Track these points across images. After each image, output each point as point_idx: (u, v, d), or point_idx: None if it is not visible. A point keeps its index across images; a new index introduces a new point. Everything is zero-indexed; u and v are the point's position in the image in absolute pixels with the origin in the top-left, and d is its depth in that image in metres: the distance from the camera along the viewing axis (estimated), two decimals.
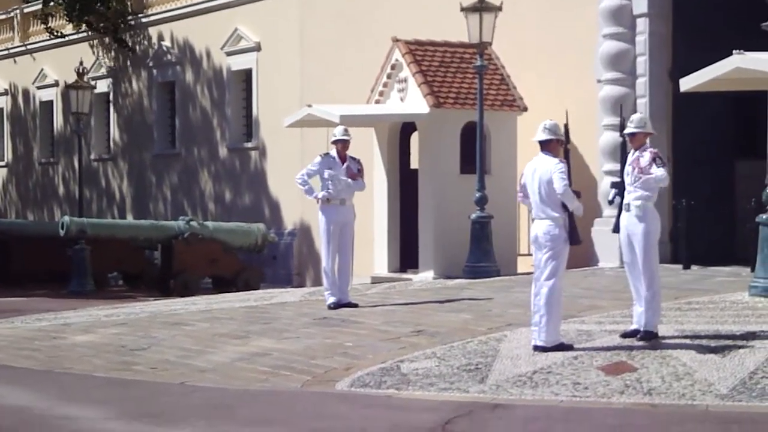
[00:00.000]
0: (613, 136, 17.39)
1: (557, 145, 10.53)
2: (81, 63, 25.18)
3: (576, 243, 10.47)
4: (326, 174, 13.83)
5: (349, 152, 14.04)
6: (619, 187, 10.70)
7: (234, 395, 9.52)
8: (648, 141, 10.77)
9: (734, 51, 11.24)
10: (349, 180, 13.81)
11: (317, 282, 21.07)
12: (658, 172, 10.38)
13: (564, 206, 10.34)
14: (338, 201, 13.89)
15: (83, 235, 22.21)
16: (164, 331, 12.93)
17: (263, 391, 9.77)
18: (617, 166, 12.18)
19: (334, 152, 13.98)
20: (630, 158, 10.70)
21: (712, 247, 17.34)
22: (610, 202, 10.88)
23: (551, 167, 10.31)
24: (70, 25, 30.31)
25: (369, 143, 19.23)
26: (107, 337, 12.87)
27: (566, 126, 10.65)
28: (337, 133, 14.07)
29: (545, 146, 10.49)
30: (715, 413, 8.37)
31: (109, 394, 9.72)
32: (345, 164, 13.88)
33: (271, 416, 8.62)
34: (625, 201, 10.62)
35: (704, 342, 10.32)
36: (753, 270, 13.73)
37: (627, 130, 10.79)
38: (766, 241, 13.19)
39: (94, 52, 30.51)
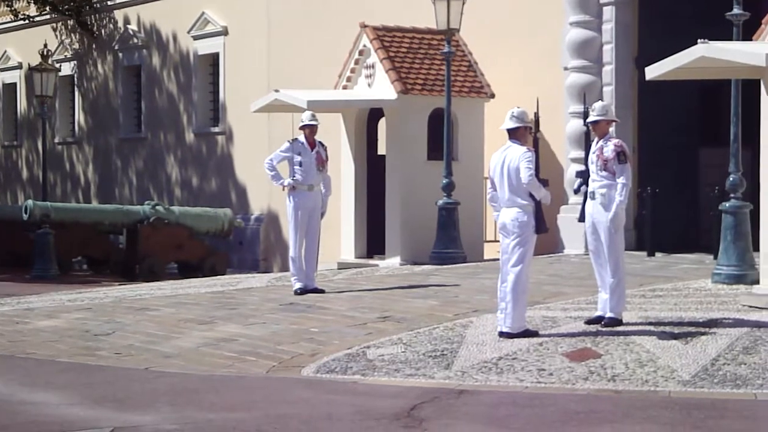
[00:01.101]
0: (580, 124, 17.47)
1: (525, 132, 10.55)
2: (45, 45, 24.95)
3: (542, 231, 10.51)
4: (296, 159, 13.81)
5: (317, 137, 14.01)
6: (584, 176, 10.75)
7: (199, 381, 9.50)
8: (612, 129, 10.81)
9: (699, 40, 11.28)
10: (319, 168, 13.80)
11: (284, 267, 21.05)
12: (620, 180, 10.40)
13: (532, 194, 10.37)
14: (306, 187, 13.86)
15: (47, 219, 22.05)
16: (129, 317, 12.88)
17: (228, 376, 9.75)
18: (583, 154, 12.24)
19: (302, 138, 13.95)
20: (594, 147, 10.74)
21: (676, 235, 17.47)
22: (576, 191, 10.94)
23: (519, 155, 10.33)
24: (34, 7, 30.01)
25: (336, 129, 19.21)
26: (71, 322, 12.80)
27: (536, 114, 10.68)
28: (305, 118, 14.04)
29: (513, 134, 10.51)
30: (678, 399, 8.44)
31: (73, 379, 9.67)
32: (314, 150, 13.86)
33: (237, 402, 8.61)
34: (590, 189, 10.67)
35: (668, 329, 10.40)
36: (716, 257, 13.85)
37: (590, 119, 10.83)
38: (728, 228, 13.30)
39: (57, 35, 30.26)
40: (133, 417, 8.10)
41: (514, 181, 10.34)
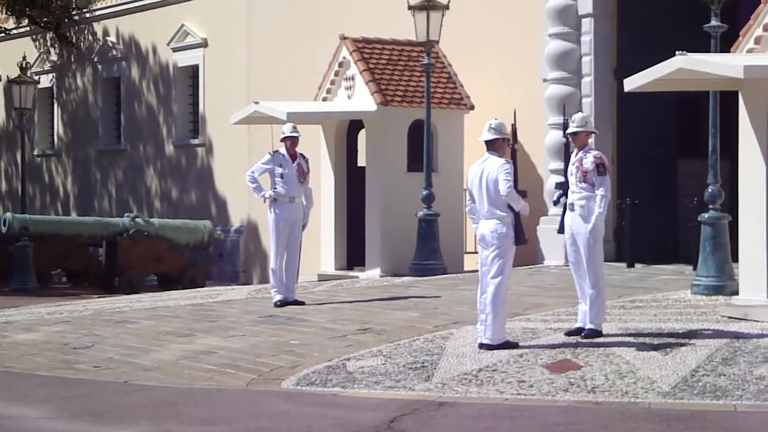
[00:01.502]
0: (559, 135, 17.54)
1: (503, 144, 10.56)
2: (24, 58, 24.87)
3: (522, 243, 10.52)
4: (277, 171, 13.79)
5: (298, 149, 14.00)
6: (564, 188, 10.77)
7: (178, 394, 9.46)
8: (591, 141, 10.85)
9: (677, 52, 11.34)
10: (301, 180, 13.80)
11: (264, 279, 21.01)
12: (600, 192, 10.44)
13: (510, 206, 10.38)
14: (288, 199, 13.85)
15: (26, 232, 21.96)
16: (108, 329, 12.82)
17: (208, 389, 9.72)
18: (562, 165, 12.27)
19: (283, 149, 13.94)
20: (573, 158, 10.77)
21: (655, 246, 17.53)
22: (555, 203, 10.95)
23: (497, 167, 10.34)
24: (12, 20, 29.91)
25: (316, 140, 19.21)
26: (50, 335, 12.73)
27: (513, 126, 10.69)
28: (286, 130, 14.04)
29: (491, 146, 10.52)
30: (658, 410, 8.45)
31: (52, 392, 9.62)
32: (296, 162, 13.85)
33: (216, 415, 8.58)
34: (569, 200, 10.70)
35: (647, 340, 10.43)
36: (695, 268, 13.90)
37: (569, 130, 10.86)
38: (707, 240, 13.36)
39: (36, 48, 30.17)
40: (112, 430, 8.06)
41: (493, 192, 10.35)
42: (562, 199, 10.81)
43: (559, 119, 17.58)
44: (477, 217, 10.55)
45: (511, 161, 10.55)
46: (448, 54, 19.27)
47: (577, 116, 10.95)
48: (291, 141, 13.92)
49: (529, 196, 10.85)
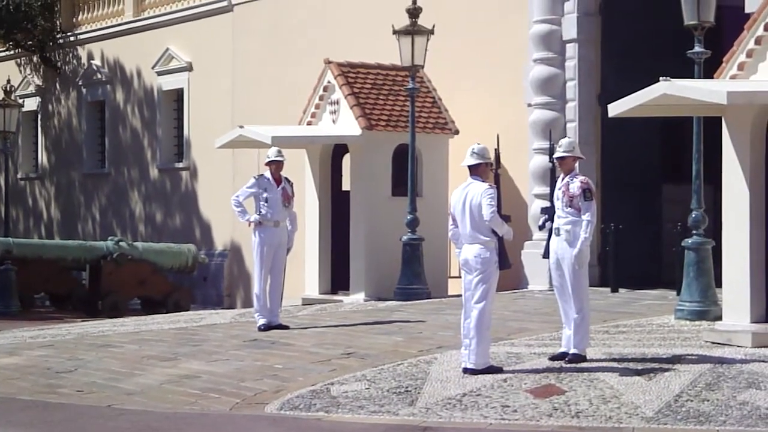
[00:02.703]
0: (543, 160, 17.58)
1: (486, 168, 10.56)
2: (8, 81, 24.84)
3: (506, 267, 10.53)
4: (262, 196, 13.78)
5: (282, 173, 14.00)
6: (549, 213, 10.78)
7: (162, 418, 9.41)
8: (577, 166, 10.88)
9: (661, 78, 11.40)
10: (285, 204, 13.80)
11: (248, 303, 20.96)
12: (585, 217, 10.47)
13: (494, 231, 10.38)
14: (272, 223, 13.83)
15: (9, 255, 21.87)
16: (91, 353, 12.76)
17: (192, 414, 9.67)
18: (547, 190, 12.30)
19: (268, 173, 13.94)
20: (560, 183, 10.79)
21: (639, 271, 17.55)
22: (541, 228, 10.97)
23: (481, 192, 10.35)
24: None
25: (301, 165, 19.21)
26: (32, 359, 12.66)
27: (497, 151, 10.70)
28: (271, 154, 14.04)
29: (474, 170, 10.53)
30: None
31: (34, 417, 9.55)
32: (280, 186, 13.84)
33: None
34: (555, 225, 10.70)
35: (631, 365, 10.43)
36: (679, 293, 13.92)
37: (556, 155, 10.89)
38: (691, 265, 13.39)
39: (21, 71, 30.14)
40: None
41: (477, 217, 10.35)
42: (548, 224, 10.83)
43: (544, 144, 17.63)
44: (459, 242, 10.56)
45: (495, 186, 10.56)
46: (432, 79, 19.33)
47: (564, 141, 10.98)
48: (276, 165, 13.92)
49: (513, 221, 10.85)
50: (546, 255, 10.85)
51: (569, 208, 10.60)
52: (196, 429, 8.97)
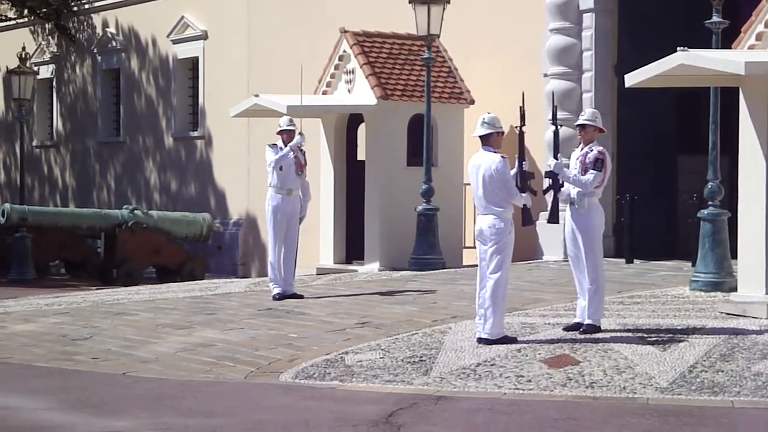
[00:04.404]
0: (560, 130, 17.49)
1: (498, 138, 10.50)
2: (23, 48, 24.84)
3: (528, 224, 10.50)
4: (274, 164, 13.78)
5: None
6: (553, 176, 10.69)
7: (177, 386, 9.46)
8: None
9: (678, 48, 11.33)
10: (298, 172, 13.79)
11: (262, 273, 21.01)
12: (587, 177, 10.43)
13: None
14: (285, 191, 13.84)
15: (24, 223, 21.95)
16: (106, 321, 12.82)
17: (206, 382, 9.72)
18: (565, 160, 12.16)
19: (280, 142, 13.93)
20: (578, 152, 10.74)
21: (654, 242, 17.52)
22: (545, 192, 10.88)
23: (493, 165, 10.29)
24: (12, 10, 29.87)
25: (316, 134, 19.19)
26: (48, 326, 12.73)
27: (521, 109, 10.60)
28: (283, 123, 14.04)
29: (485, 140, 10.48)
30: (655, 406, 8.46)
31: (50, 384, 9.61)
32: (293, 155, 13.83)
33: (215, 408, 8.58)
34: (571, 195, 10.66)
35: (646, 336, 10.43)
36: (694, 265, 13.89)
37: (578, 121, 10.83)
38: (706, 236, 13.35)
39: (35, 38, 30.13)
40: (111, 422, 8.06)
41: (489, 188, 10.32)
42: (551, 191, 10.71)
43: (562, 115, 17.53)
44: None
45: (506, 156, 10.45)
46: (448, 48, 19.25)
47: (589, 111, 10.95)
48: (287, 134, 13.92)
49: (534, 179, 10.77)
50: (551, 220, 10.82)
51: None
52: (211, 397, 9.02)
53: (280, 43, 23.25)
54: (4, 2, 30.04)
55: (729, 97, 12.73)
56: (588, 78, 18.12)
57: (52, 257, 23.43)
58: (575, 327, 10.69)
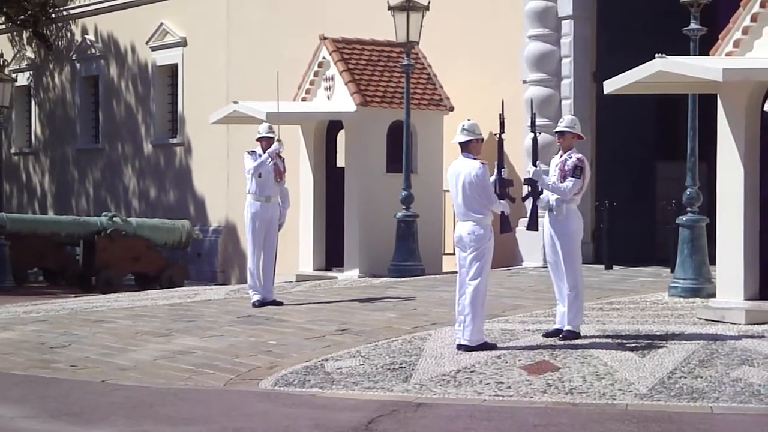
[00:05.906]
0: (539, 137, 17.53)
1: (477, 144, 10.51)
2: (1, 55, 24.76)
3: (506, 231, 10.50)
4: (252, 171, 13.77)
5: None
6: (532, 183, 10.70)
7: (156, 394, 9.42)
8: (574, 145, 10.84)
9: (657, 55, 11.39)
10: (277, 179, 13.79)
11: (242, 279, 20.95)
12: (566, 185, 10.46)
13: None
14: (264, 198, 13.83)
15: (2, 230, 21.85)
16: (85, 329, 12.76)
17: (186, 389, 9.69)
18: (544, 167, 12.18)
19: (259, 149, 13.92)
20: (557, 159, 10.76)
21: (633, 248, 17.58)
22: (524, 199, 10.90)
23: (472, 171, 10.29)
24: None
25: (295, 141, 19.17)
26: (26, 334, 12.66)
27: (501, 116, 10.60)
28: (262, 130, 14.03)
29: (465, 147, 10.47)
30: (635, 412, 8.47)
31: (28, 392, 9.56)
32: (272, 162, 13.82)
33: (194, 415, 8.55)
34: (550, 202, 10.67)
35: (625, 342, 10.45)
36: (673, 271, 13.95)
37: (557, 128, 10.85)
38: (685, 242, 13.41)
39: (13, 45, 30.01)
40: (89, 430, 8.02)
41: (469, 194, 10.32)
42: (530, 197, 10.73)
43: (541, 122, 17.57)
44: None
45: (486, 163, 10.46)
46: (428, 55, 19.28)
47: (567, 117, 10.96)
48: (266, 141, 13.91)
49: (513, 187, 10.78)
50: (530, 227, 10.83)
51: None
52: (191, 404, 8.99)
53: (260, 50, 23.23)
54: None
55: (707, 103, 12.79)
56: (567, 85, 18.18)
57: (30, 265, 23.31)
58: (555, 333, 10.71)
